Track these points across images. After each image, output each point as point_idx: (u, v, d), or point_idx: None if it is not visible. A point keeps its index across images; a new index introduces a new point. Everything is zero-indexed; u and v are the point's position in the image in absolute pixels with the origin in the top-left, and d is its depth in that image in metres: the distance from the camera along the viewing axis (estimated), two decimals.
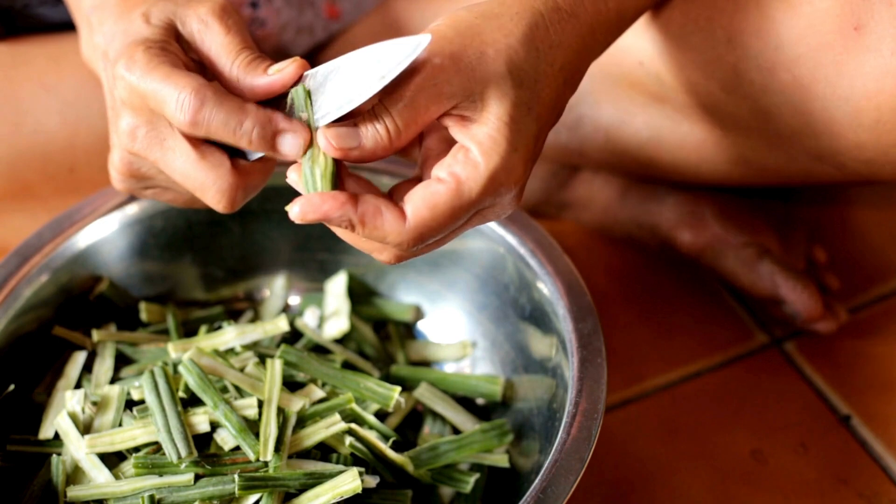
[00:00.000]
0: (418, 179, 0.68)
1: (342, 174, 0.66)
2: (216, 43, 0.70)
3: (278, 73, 0.67)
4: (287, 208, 0.64)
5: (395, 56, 0.63)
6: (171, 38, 0.70)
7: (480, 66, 0.65)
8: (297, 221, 0.64)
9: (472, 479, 0.80)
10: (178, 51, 0.70)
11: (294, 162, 0.67)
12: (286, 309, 0.94)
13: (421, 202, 0.64)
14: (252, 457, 0.73)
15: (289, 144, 0.66)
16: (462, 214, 0.65)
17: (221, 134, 0.66)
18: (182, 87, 0.66)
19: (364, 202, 0.64)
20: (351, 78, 0.65)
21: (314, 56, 1.08)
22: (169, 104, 0.66)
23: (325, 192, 0.64)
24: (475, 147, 0.64)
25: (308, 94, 0.66)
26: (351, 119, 0.65)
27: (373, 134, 0.64)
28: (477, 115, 0.65)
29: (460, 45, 0.65)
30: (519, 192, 0.67)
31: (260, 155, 0.69)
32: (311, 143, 0.66)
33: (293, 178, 0.66)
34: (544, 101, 0.67)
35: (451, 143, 0.67)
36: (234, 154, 0.70)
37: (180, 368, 0.77)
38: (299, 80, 0.67)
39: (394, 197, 0.67)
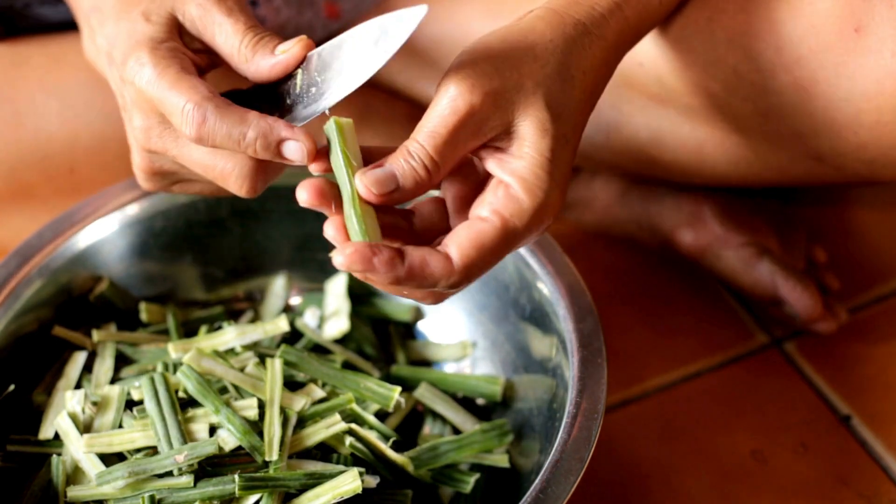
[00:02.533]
0: (439, 201, 0.68)
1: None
2: (219, 27, 0.70)
3: (284, 55, 0.67)
4: (332, 255, 0.62)
5: (396, 30, 0.63)
6: (175, 33, 0.70)
7: (519, 100, 0.64)
8: (341, 269, 0.62)
9: (472, 480, 0.80)
10: (182, 47, 0.70)
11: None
12: (286, 309, 0.94)
13: (468, 243, 0.63)
14: (259, 460, 0.73)
15: (292, 152, 0.66)
16: (508, 250, 0.65)
17: (227, 146, 0.66)
18: (186, 100, 0.66)
19: (409, 254, 0.62)
20: (355, 54, 0.64)
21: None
22: (175, 116, 0.67)
23: (375, 245, 0.62)
24: (517, 183, 0.64)
25: (342, 130, 0.64)
26: (381, 160, 0.64)
27: (412, 174, 0.63)
28: (515, 149, 0.64)
29: (500, 81, 0.64)
30: (555, 220, 0.67)
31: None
32: (349, 186, 0.64)
33: (330, 233, 0.64)
34: (578, 129, 0.67)
35: (470, 161, 0.67)
36: None
37: (179, 374, 0.77)
38: (304, 60, 0.67)
39: (414, 219, 0.67)
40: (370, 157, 0.66)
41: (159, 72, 0.67)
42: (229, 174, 0.69)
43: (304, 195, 0.64)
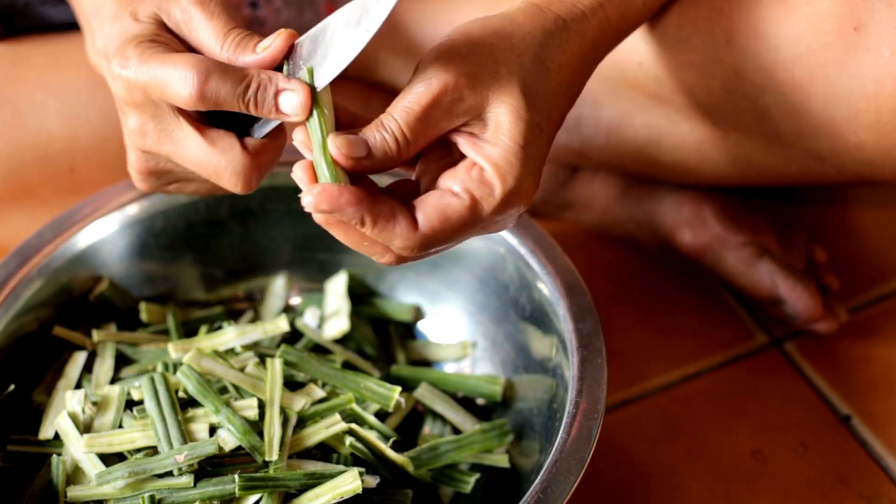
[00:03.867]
0: (415, 182, 0.68)
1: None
2: (202, 29, 0.70)
3: (266, 51, 0.67)
4: (301, 196, 0.63)
5: (376, 9, 0.63)
6: (161, 30, 0.71)
7: (494, 85, 0.65)
8: (310, 210, 0.63)
9: (473, 480, 0.80)
10: (169, 40, 0.70)
11: (300, 159, 0.67)
12: (286, 309, 0.94)
13: (434, 213, 0.64)
14: (259, 460, 0.73)
15: (288, 104, 0.66)
16: (471, 230, 0.66)
17: (230, 101, 0.66)
18: (183, 66, 0.66)
19: (381, 202, 0.64)
20: (339, 37, 0.65)
21: None
22: (172, 84, 0.66)
23: (344, 185, 0.63)
24: (490, 168, 0.65)
25: (311, 72, 0.66)
26: (354, 129, 0.65)
27: (382, 145, 0.64)
28: (489, 135, 0.65)
29: (475, 65, 0.65)
30: (526, 208, 0.68)
31: (267, 130, 0.69)
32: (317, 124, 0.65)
33: (299, 174, 0.65)
34: (554, 120, 0.68)
35: (447, 145, 0.67)
36: (242, 135, 0.70)
37: (179, 374, 0.77)
38: (291, 49, 0.68)
39: (394, 195, 0.67)
40: (347, 122, 0.67)
41: (146, 57, 0.68)
42: (223, 171, 0.69)
43: (310, 199, 0.63)
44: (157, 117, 0.70)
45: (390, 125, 0.64)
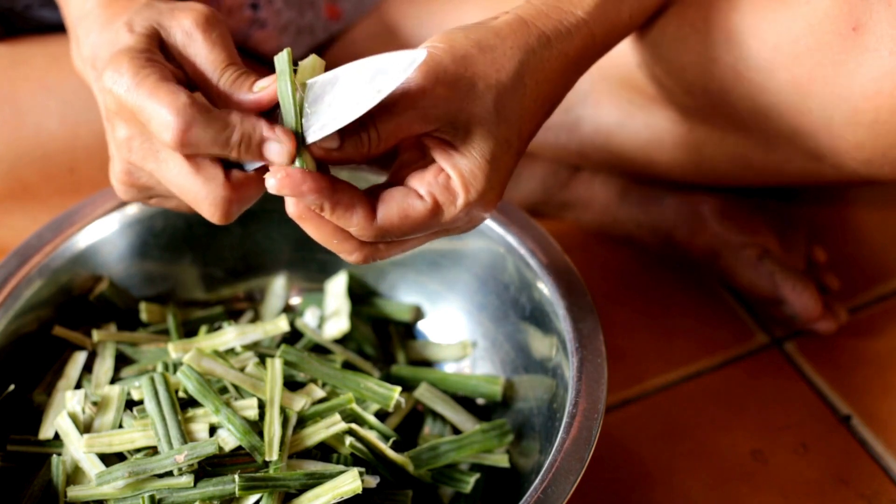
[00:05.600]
0: (389, 185, 0.69)
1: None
2: (201, 57, 0.70)
3: (264, 91, 0.68)
4: (265, 176, 0.65)
5: (392, 70, 0.64)
6: (155, 46, 0.70)
7: (469, 98, 0.67)
8: (272, 191, 0.65)
9: (473, 479, 0.80)
10: (162, 60, 0.70)
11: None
12: (286, 309, 0.94)
13: (395, 209, 0.66)
14: (259, 460, 0.73)
15: (274, 152, 0.66)
16: (429, 235, 0.69)
17: (213, 149, 0.67)
18: (168, 107, 0.66)
19: (341, 191, 0.66)
20: (348, 90, 0.65)
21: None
22: (155, 124, 0.66)
23: (308, 171, 0.65)
24: (456, 178, 0.67)
25: (300, 106, 0.66)
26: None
27: (353, 140, 0.66)
28: (459, 145, 0.67)
29: (454, 75, 0.66)
30: (488, 215, 0.70)
31: (257, 165, 0.69)
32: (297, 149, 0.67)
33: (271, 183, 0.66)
34: (523, 136, 0.70)
35: (422, 150, 0.69)
36: (230, 164, 0.70)
37: (179, 374, 0.77)
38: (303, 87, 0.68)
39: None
40: None
41: (138, 80, 0.67)
42: (202, 200, 0.69)
43: (273, 181, 0.65)
44: (145, 134, 0.69)
45: (364, 121, 0.66)
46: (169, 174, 0.70)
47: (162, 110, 0.66)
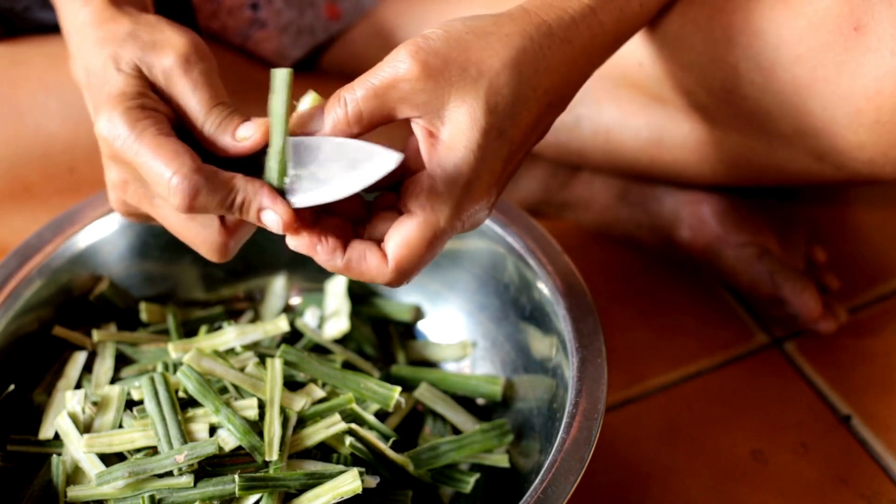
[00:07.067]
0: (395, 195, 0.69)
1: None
2: (185, 97, 0.69)
3: (247, 141, 0.68)
4: (287, 239, 0.67)
5: (369, 170, 0.64)
6: (144, 84, 0.69)
7: (459, 83, 0.66)
8: (287, 238, 0.67)
9: (473, 480, 0.80)
10: (154, 103, 0.69)
11: None
12: (286, 309, 0.94)
13: (397, 244, 0.66)
14: (259, 460, 0.73)
15: (271, 222, 0.67)
16: (438, 244, 0.67)
17: (215, 213, 0.68)
18: (174, 172, 0.65)
19: (351, 248, 0.67)
20: (328, 172, 0.66)
21: (315, 57, 1.08)
22: (160, 186, 0.66)
23: (319, 236, 0.66)
24: (440, 177, 0.66)
25: (284, 164, 0.66)
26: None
27: (332, 117, 0.66)
28: (445, 136, 0.66)
29: (444, 59, 0.66)
30: (491, 206, 0.69)
31: None
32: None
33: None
34: (520, 125, 0.68)
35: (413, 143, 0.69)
36: None
37: (179, 374, 0.77)
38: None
39: (376, 208, 0.69)
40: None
41: (136, 134, 0.66)
42: (201, 244, 0.71)
43: (294, 243, 0.68)
44: (140, 180, 0.69)
45: (347, 97, 0.66)
46: (165, 220, 0.71)
47: (167, 172, 0.65)
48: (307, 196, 0.66)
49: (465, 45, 0.66)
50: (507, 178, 0.69)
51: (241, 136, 0.68)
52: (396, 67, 0.65)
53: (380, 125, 0.67)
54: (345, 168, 0.65)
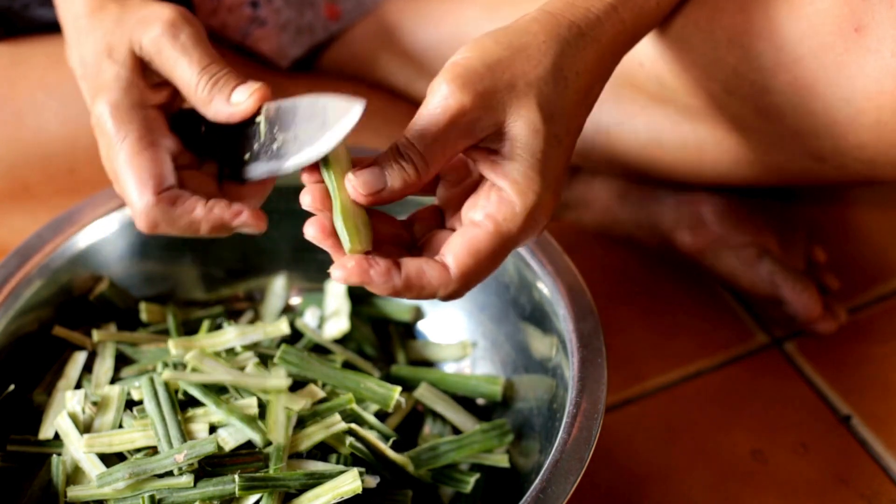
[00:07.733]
0: (436, 209, 0.68)
1: (371, 217, 0.66)
2: (176, 65, 0.70)
3: (240, 107, 0.69)
4: (330, 270, 0.63)
5: (338, 125, 0.64)
6: (137, 72, 0.71)
7: (511, 100, 0.64)
8: (341, 283, 0.66)
9: (473, 479, 0.80)
10: (144, 94, 0.71)
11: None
12: (286, 309, 0.94)
13: (463, 250, 0.64)
14: (260, 444, 0.73)
15: (245, 229, 0.70)
16: (504, 254, 0.65)
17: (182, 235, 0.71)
18: (135, 199, 0.69)
19: (406, 265, 0.64)
20: (306, 131, 0.66)
21: (314, 56, 1.08)
22: (128, 202, 0.70)
23: (372, 259, 0.63)
24: (509, 187, 0.64)
25: (328, 163, 0.65)
26: (368, 160, 0.65)
27: (400, 173, 0.64)
28: (507, 151, 0.65)
29: (491, 81, 0.64)
30: (549, 219, 0.67)
31: (258, 177, 0.71)
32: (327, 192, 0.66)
33: (311, 233, 0.65)
34: (572, 130, 0.67)
35: (465, 163, 0.67)
36: (228, 174, 0.72)
37: (179, 380, 0.77)
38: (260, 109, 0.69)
39: (415, 227, 0.68)
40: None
41: (119, 140, 0.70)
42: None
43: (312, 231, 0.64)
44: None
45: (407, 151, 0.64)
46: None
47: (132, 196, 0.70)
48: (296, 159, 0.66)
49: (506, 62, 0.65)
50: (561, 188, 0.68)
51: (236, 99, 0.69)
52: (447, 106, 0.63)
53: (451, 168, 0.67)
54: (320, 126, 0.65)
